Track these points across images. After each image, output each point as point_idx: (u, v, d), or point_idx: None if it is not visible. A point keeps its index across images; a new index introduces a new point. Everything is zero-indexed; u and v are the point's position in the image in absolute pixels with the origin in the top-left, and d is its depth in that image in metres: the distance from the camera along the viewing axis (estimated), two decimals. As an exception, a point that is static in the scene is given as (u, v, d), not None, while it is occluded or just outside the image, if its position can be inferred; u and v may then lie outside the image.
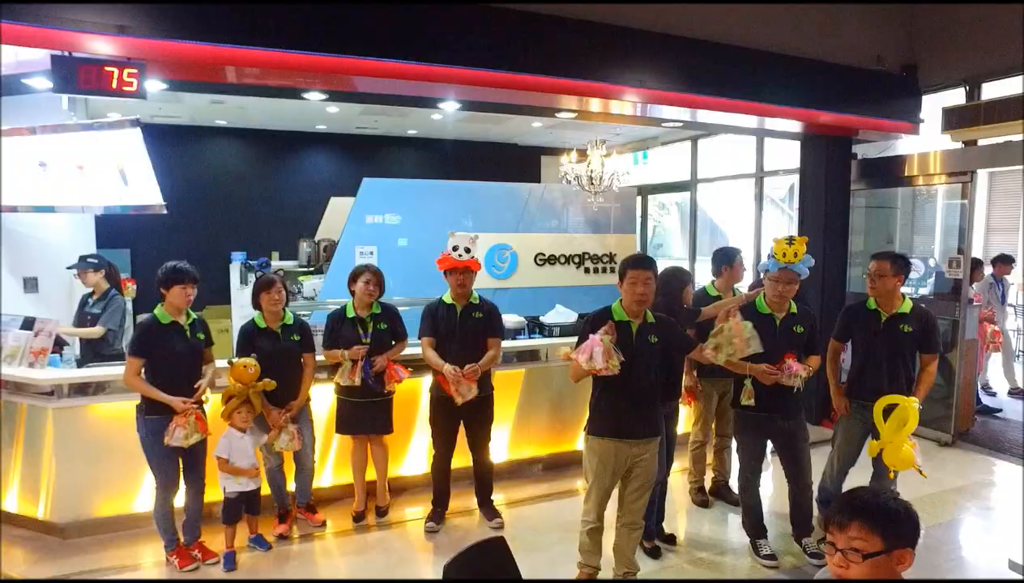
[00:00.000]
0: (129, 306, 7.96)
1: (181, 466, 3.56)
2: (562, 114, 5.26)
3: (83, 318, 4.73)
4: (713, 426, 4.58)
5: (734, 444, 4.64)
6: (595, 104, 4.93)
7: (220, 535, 3.75)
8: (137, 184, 4.09)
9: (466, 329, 4.00)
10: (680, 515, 4.44)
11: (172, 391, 3.42)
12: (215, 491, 3.74)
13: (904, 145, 6.66)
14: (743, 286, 4.77)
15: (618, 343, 3.06)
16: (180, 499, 3.66)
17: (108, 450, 3.89)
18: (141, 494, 3.99)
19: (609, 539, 3.46)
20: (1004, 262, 7.47)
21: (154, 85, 3.87)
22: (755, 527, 3.87)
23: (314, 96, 4.45)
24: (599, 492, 3.29)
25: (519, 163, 10.67)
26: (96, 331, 4.61)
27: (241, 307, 4.93)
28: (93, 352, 4.63)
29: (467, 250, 3.92)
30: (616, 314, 3.20)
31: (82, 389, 3.86)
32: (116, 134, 3.97)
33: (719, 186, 9.74)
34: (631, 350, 3.12)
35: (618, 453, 3.23)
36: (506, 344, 4.94)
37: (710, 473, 4.69)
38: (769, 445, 3.98)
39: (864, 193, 6.74)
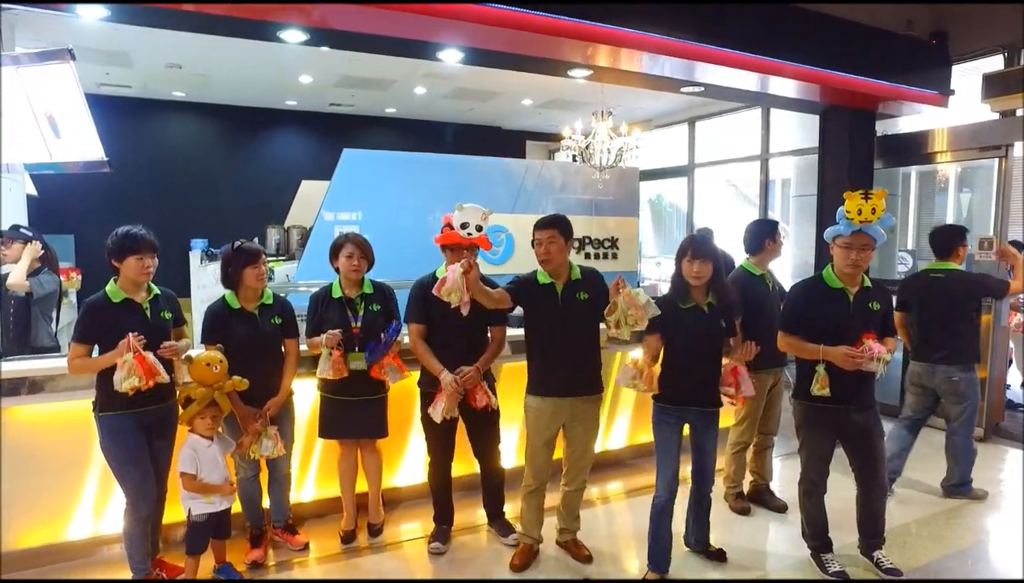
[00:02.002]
0: (73, 299, 7.11)
1: None
2: (574, 72, 4.65)
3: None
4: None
5: (775, 442, 4.16)
6: (603, 55, 4.34)
7: (180, 565, 3.03)
8: (72, 135, 3.32)
9: (467, 312, 3.36)
10: (715, 526, 3.86)
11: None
12: (174, 511, 3.02)
13: (906, 123, 6.31)
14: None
15: (543, 306, 3.17)
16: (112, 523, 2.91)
17: (34, 463, 3.10)
18: (77, 517, 3.23)
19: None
20: (1018, 248, 7.17)
21: (92, 11, 3.14)
22: (820, 539, 3.31)
23: (291, 36, 3.74)
24: (533, 453, 3.30)
25: (503, 147, 10.04)
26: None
27: (203, 287, 4.18)
28: (17, 344, 3.83)
29: (478, 228, 3.30)
30: (540, 278, 3.21)
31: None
32: (42, 71, 3.19)
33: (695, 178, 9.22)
34: (559, 311, 3.16)
35: (554, 412, 3.21)
36: (510, 333, 4.35)
37: (748, 476, 4.13)
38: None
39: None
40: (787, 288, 3.67)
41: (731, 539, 3.69)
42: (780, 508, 3.99)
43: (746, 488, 4.10)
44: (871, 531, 3.30)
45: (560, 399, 3.19)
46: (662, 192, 10.94)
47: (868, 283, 3.15)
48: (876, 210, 2.96)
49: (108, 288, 2.83)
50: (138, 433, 2.82)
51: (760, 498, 4.07)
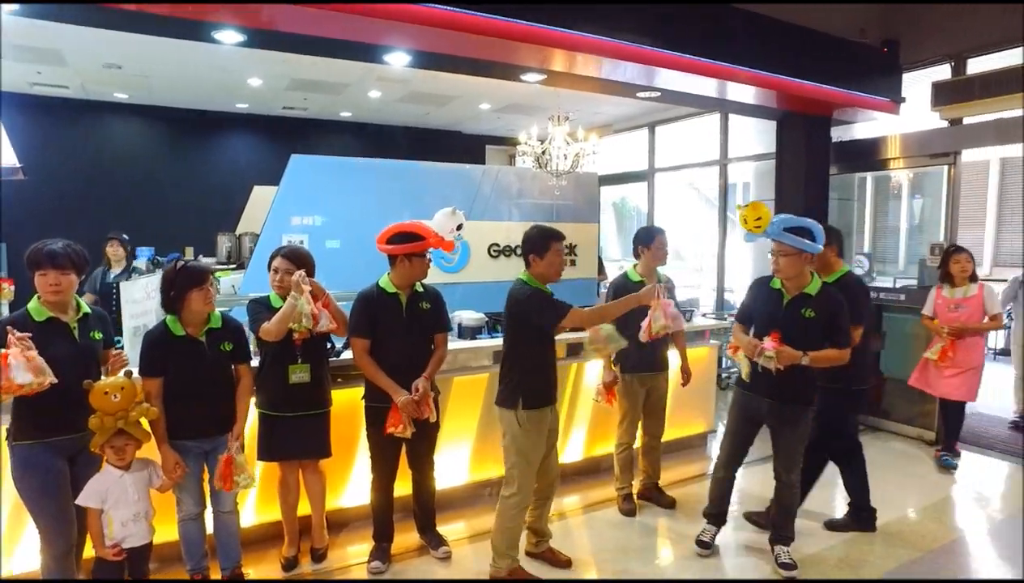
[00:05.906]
0: (6, 310, 6.72)
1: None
2: (527, 76, 4.54)
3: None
4: (641, 425, 4.13)
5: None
6: (556, 59, 4.25)
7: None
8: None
9: (414, 323, 3.29)
10: (606, 528, 3.90)
11: (59, 409, 2.54)
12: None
13: (861, 130, 6.39)
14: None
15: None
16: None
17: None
18: (17, 553, 2.97)
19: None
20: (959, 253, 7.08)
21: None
22: (713, 509, 3.55)
23: (227, 36, 3.55)
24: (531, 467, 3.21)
25: (463, 152, 9.94)
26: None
27: (134, 303, 3.93)
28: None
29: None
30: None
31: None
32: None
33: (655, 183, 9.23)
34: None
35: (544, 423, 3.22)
36: (467, 345, 4.25)
37: (639, 476, 4.24)
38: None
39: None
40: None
41: (620, 540, 3.74)
42: (669, 504, 4.11)
43: (637, 487, 4.21)
44: (777, 523, 3.43)
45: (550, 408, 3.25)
46: (626, 195, 10.95)
47: (812, 291, 3.17)
48: (748, 219, 3.20)
49: (30, 305, 2.58)
50: (55, 463, 2.58)
51: (649, 495, 4.19)
